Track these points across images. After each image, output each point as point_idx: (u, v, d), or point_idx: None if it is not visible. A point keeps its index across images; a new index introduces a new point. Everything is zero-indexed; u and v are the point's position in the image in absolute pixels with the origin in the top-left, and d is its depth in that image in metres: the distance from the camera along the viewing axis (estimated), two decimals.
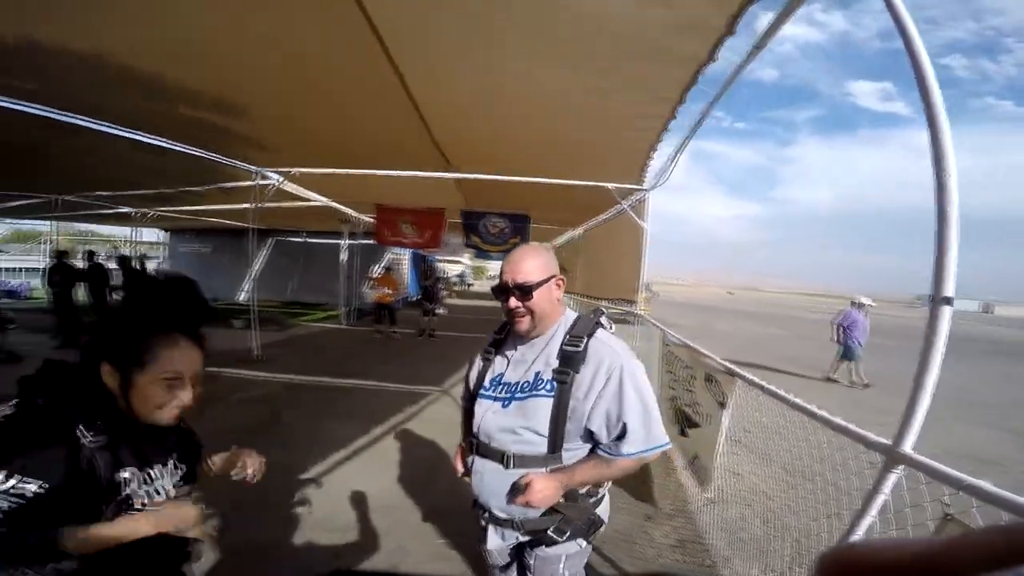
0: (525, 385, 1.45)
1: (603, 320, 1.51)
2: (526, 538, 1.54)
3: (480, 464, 1.51)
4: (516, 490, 1.39)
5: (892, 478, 1.50)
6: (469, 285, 40.10)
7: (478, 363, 1.64)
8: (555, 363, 1.43)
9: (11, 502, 0.87)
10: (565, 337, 1.45)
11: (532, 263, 1.44)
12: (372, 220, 12.46)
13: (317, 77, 3.49)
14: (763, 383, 2.57)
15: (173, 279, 1.13)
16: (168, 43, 2.97)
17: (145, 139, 5.01)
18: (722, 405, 3.09)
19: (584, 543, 1.56)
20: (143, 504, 1.04)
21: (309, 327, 11.86)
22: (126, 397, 1.02)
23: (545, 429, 1.41)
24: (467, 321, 14.34)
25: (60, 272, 8.05)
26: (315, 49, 3.03)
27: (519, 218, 9.31)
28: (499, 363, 1.57)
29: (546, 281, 1.44)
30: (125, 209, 11.26)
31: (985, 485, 1.21)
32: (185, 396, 1.07)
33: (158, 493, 1.09)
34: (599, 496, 1.56)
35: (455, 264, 36.87)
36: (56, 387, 1.01)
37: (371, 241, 15.64)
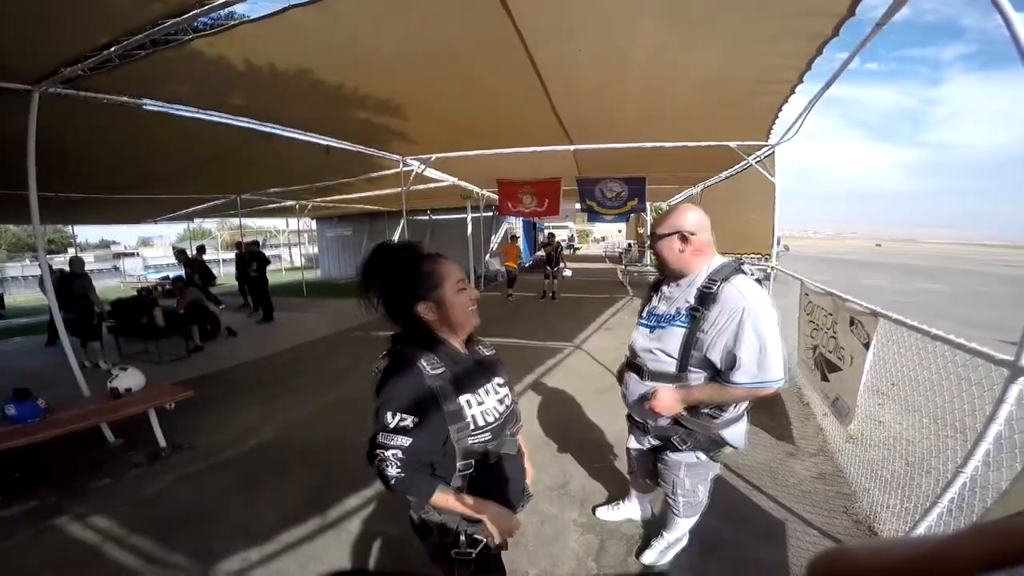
0: (668, 316, 1.81)
1: (744, 268, 1.77)
2: (656, 443, 2.01)
3: (628, 376, 1.98)
4: (645, 398, 1.82)
5: (1015, 389, 1.76)
6: (576, 249, 40.07)
7: (646, 297, 2.05)
8: (693, 301, 1.73)
9: (403, 436, 1.18)
10: (704, 281, 1.75)
11: (667, 220, 1.81)
12: (491, 194, 13.25)
13: (459, 71, 3.94)
14: (906, 320, 2.70)
15: (387, 246, 1.34)
16: (341, 56, 3.56)
17: (316, 140, 6.00)
18: (866, 346, 3.20)
19: (703, 456, 1.92)
20: (483, 421, 1.28)
21: None
22: (443, 319, 1.30)
23: (676, 352, 1.76)
24: (582, 283, 14.72)
25: (257, 259, 9.75)
26: (458, 45, 3.43)
27: (635, 181, 9.38)
28: (655, 299, 1.96)
29: (668, 235, 1.78)
30: (289, 203, 13.20)
31: None
32: (473, 292, 1.36)
33: (488, 414, 1.30)
34: (722, 419, 1.82)
35: (562, 229, 37.25)
36: (406, 340, 1.32)
37: (490, 214, 16.66)
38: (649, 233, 1.89)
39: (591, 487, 3.05)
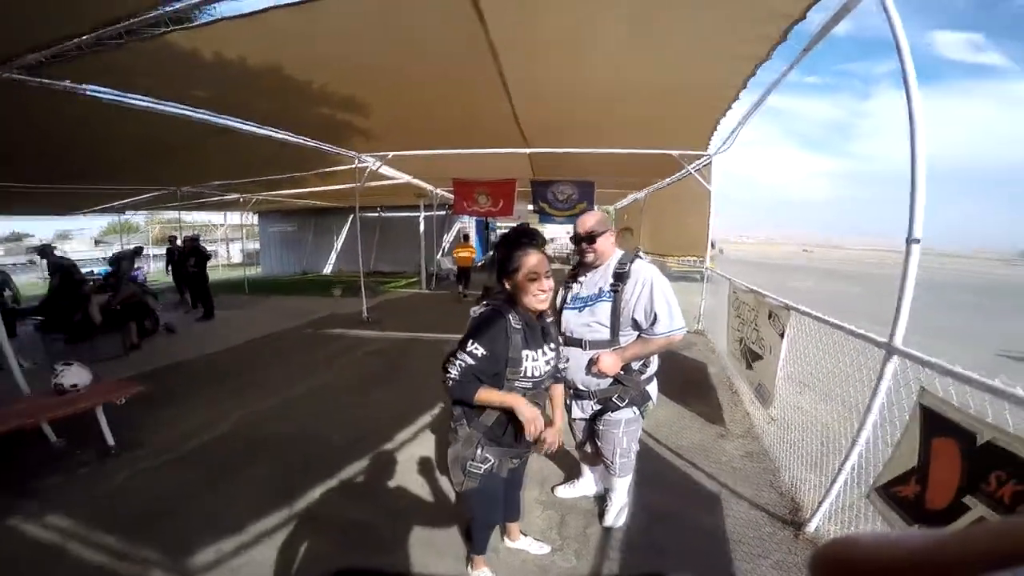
0: (592, 296, 2.24)
1: (640, 254, 2.31)
2: (597, 407, 2.34)
3: (567, 351, 2.27)
4: (591, 364, 2.20)
5: (891, 366, 2.19)
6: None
7: (561, 292, 2.43)
8: (610, 280, 2.20)
9: (471, 358, 1.65)
10: (616, 265, 2.22)
11: (595, 221, 2.26)
12: (445, 193, 13.32)
13: (426, 72, 4.05)
14: (812, 311, 3.16)
15: (518, 228, 1.83)
16: (314, 54, 3.59)
17: (276, 134, 5.91)
18: (781, 335, 3.63)
19: (637, 411, 2.32)
20: (532, 373, 1.74)
21: (398, 293, 13.04)
22: (516, 295, 1.74)
23: (607, 321, 2.20)
24: None
25: (197, 254, 9.37)
26: (429, 46, 3.54)
27: (585, 184, 9.80)
28: (574, 287, 2.35)
29: (605, 232, 2.24)
30: (233, 195, 12.70)
31: (939, 361, 1.85)
32: (546, 284, 1.74)
33: (537, 370, 1.76)
34: (647, 374, 2.33)
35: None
36: (497, 297, 1.79)
37: (443, 212, 16.68)
38: (576, 235, 2.27)
39: (548, 469, 3.28)
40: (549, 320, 1.91)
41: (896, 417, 2.17)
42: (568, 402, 2.41)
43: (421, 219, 13.85)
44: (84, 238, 42.73)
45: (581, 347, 2.24)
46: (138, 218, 27.82)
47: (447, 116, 5.41)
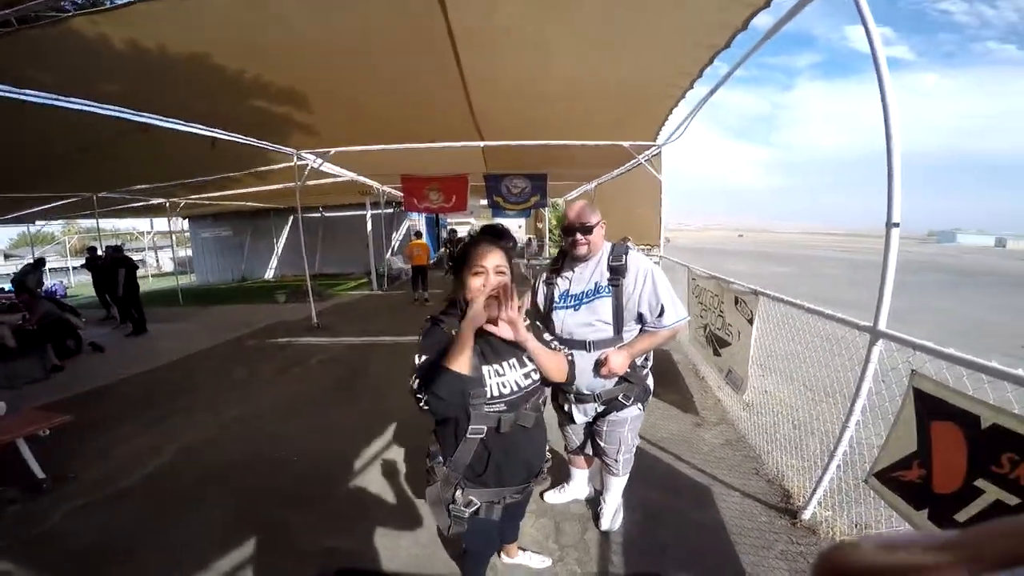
0: (589, 292, 2.09)
1: (630, 244, 2.21)
2: (602, 408, 2.22)
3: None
4: (599, 365, 2.06)
5: (877, 350, 2.21)
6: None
7: (543, 289, 2.27)
8: (607, 275, 2.07)
9: (420, 369, 1.39)
10: (609, 258, 2.09)
11: (589, 212, 2.08)
12: (392, 190, 12.85)
13: (377, 63, 3.78)
14: (783, 296, 3.20)
15: (485, 227, 1.68)
16: (247, 40, 3.24)
17: (205, 131, 5.39)
18: (750, 321, 3.66)
19: (641, 408, 2.22)
20: (500, 391, 1.46)
21: (348, 295, 12.46)
22: (463, 293, 1.50)
23: (610, 318, 2.06)
24: None
25: (124, 265, 8.53)
26: (382, 36, 3.30)
27: (538, 177, 9.71)
28: (562, 283, 2.18)
29: (598, 223, 2.09)
30: (158, 200, 11.69)
31: (932, 345, 1.86)
32: (492, 280, 1.46)
33: (505, 386, 1.47)
34: (648, 369, 2.25)
35: (464, 225, 37.11)
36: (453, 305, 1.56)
37: (391, 210, 16.14)
38: (569, 225, 2.07)
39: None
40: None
41: (877, 405, 2.16)
42: (567, 407, 2.28)
43: (368, 218, 13.31)
44: None
45: (585, 348, 2.08)
46: (53, 228, 25.28)
47: (397, 110, 5.12)
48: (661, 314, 2.05)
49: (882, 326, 2.15)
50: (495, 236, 1.56)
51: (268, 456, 3.53)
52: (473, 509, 1.46)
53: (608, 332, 2.07)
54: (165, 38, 3.03)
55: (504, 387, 1.46)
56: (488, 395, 1.43)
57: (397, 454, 3.49)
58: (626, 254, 2.10)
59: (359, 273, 16.55)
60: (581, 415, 2.27)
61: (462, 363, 1.32)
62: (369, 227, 13.30)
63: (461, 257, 1.52)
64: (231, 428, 4.12)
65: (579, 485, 2.80)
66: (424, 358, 1.41)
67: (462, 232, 34.87)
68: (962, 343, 2.00)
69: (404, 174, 9.52)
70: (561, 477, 2.91)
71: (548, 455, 1.71)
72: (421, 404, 1.34)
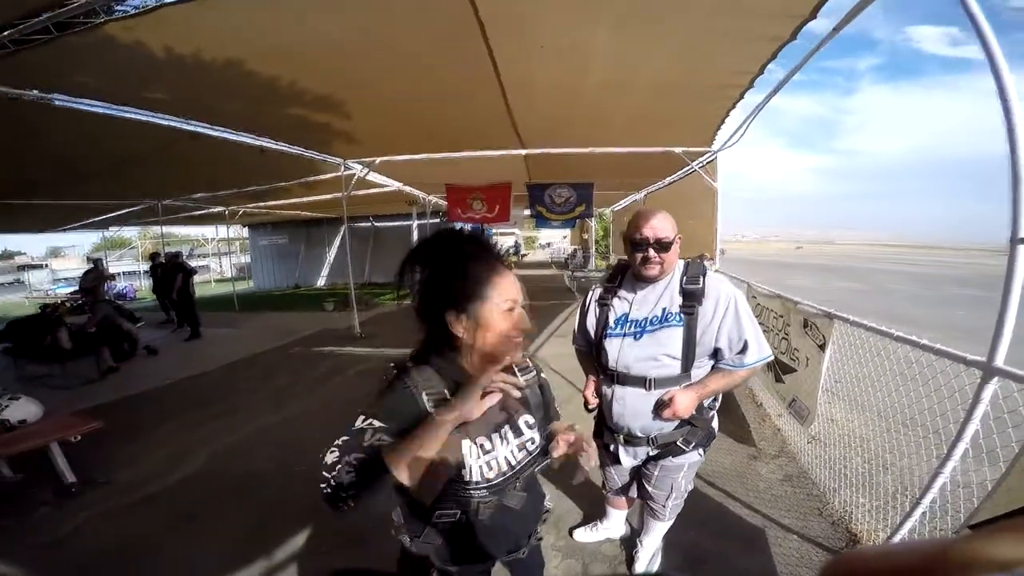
0: (654, 319, 1.74)
1: (706, 264, 1.83)
2: (655, 452, 1.87)
3: (621, 392, 1.80)
4: (661, 406, 1.72)
5: (989, 389, 1.81)
6: (523, 255, 39.25)
7: (594, 310, 1.91)
8: (679, 300, 1.72)
9: (356, 436, 0.97)
10: (682, 279, 1.74)
11: (668, 224, 1.71)
12: (438, 200, 12.94)
13: (412, 66, 3.69)
14: (863, 321, 2.77)
15: (457, 231, 1.11)
16: (275, 44, 3.19)
17: (248, 140, 5.52)
18: (822, 348, 3.25)
19: (702, 453, 1.91)
20: (484, 475, 1.07)
21: (392, 305, 12.61)
22: (474, 341, 1.04)
23: (679, 353, 1.71)
24: (530, 290, 14.53)
25: (182, 271, 8.95)
26: (415, 38, 3.19)
27: (583, 186, 9.47)
28: (619, 306, 1.83)
29: (676, 238, 1.72)
30: (218, 209, 12.28)
31: None
32: (524, 321, 1.07)
33: (492, 467, 1.08)
34: (715, 410, 1.90)
35: (508, 236, 37.09)
36: (423, 352, 1.10)
37: (436, 220, 16.30)
38: (642, 240, 1.70)
39: (564, 507, 2.86)
40: (532, 374, 1.25)
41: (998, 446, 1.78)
42: (612, 448, 1.94)
43: (414, 227, 13.48)
44: (76, 254, 42.24)
45: (644, 386, 1.75)
46: (129, 232, 27.23)
47: (438, 116, 5.05)
48: (743, 351, 1.71)
49: (999, 362, 1.76)
50: (482, 248, 1.07)
51: (293, 468, 3.45)
52: None
53: (674, 368, 1.73)
54: (198, 43, 3.05)
55: (491, 469, 1.08)
56: (466, 478, 1.05)
57: None
58: (703, 275, 1.74)
59: (406, 283, 16.73)
60: (629, 458, 1.94)
61: (421, 464, 0.93)
62: (415, 236, 13.45)
63: (454, 281, 1.02)
64: (261, 436, 4.11)
65: (615, 524, 2.50)
66: (371, 430, 0.96)
67: (508, 241, 34.55)
68: None
69: (448, 183, 9.53)
70: (594, 512, 2.64)
71: (547, 505, 1.36)
72: (340, 505, 0.91)
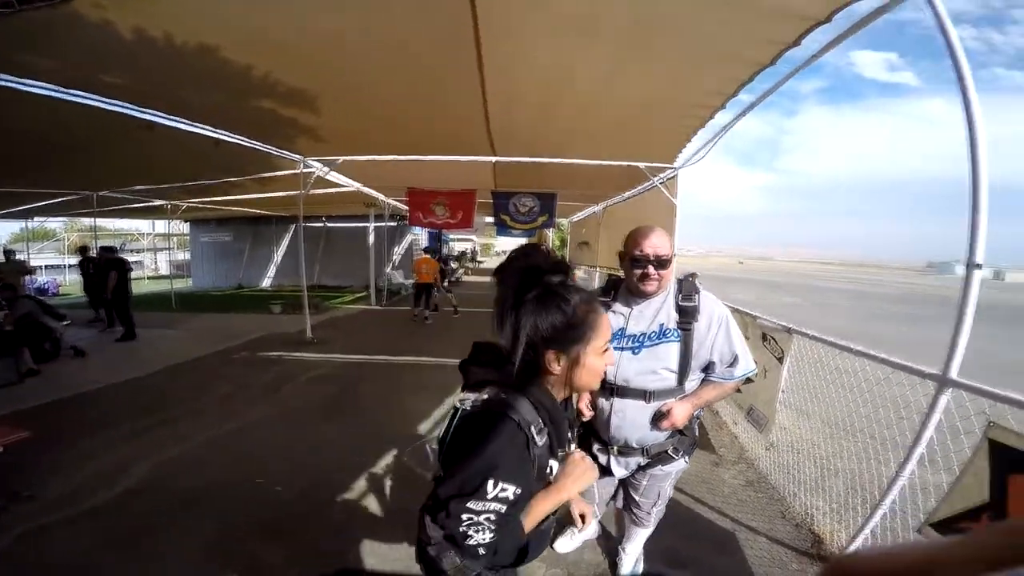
0: (652, 335, 1.80)
1: (698, 282, 1.90)
2: (645, 461, 1.93)
3: (621, 404, 1.84)
4: (659, 417, 1.80)
5: (944, 400, 1.98)
6: (480, 263, 38.95)
7: None
8: (675, 316, 1.79)
9: (502, 505, 0.97)
10: (678, 296, 1.82)
11: (667, 242, 1.78)
12: (396, 203, 12.71)
13: (396, 66, 3.59)
14: (821, 336, 2.96)
15: (541, 256, 1.10)
16: (259, 34, 3.06)
17: (207, 132, 5.21)
18: (780, 360, 3.42)
19: (688, 460, 1.99)
20: None
21: (345, 309, 12.20)
22: (566, 379, 1.08)
23: (676, 366, 1.79)
24: (487, 297, 14.49)
25: (117, 267, 8.29)
26: (406, 36, 3.11)
27: (547, 197, 9.58)
28: (615, 320, 1.84)
29: (673, 257, 1.81)
30: (159, 202, 11.52)
31: (1015, 395, 1.68)
32: (611, 357, 1.16)
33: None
34: (698, 421, 2.01)
35: (465, 242, 36.93)
36: (505, 384, 1.07)
37: (394, 223, 16.00)
38: (642, 257, 1.74)
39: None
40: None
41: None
42: (605, 461, 1.96)
43: (371, 230, 13.16)
44: None
45: (643, 399, 1.81)
46: (54, 224, 25.01)
47: (412, 118, 4.95)
48: (733, 364, 1.82)
49: (953, 374, 1.93)
50: (565, 274, 1.09)
51: (248, 480, 3.24)
52: None
53: (671, 381, 1.81)
54: (172, 27, 2.86)
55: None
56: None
57: (389, 485, 3.22)
58: (698, 293, 1.83)
59: (358, 286, 16.33)
60: (622, 469, 1.98)
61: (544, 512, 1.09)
62: (371, 240, 13.15)
63: (562, 319, 1.03)
64: (211, 447, 3.83)
65: (590, 529, 2.52)
66: (508, 489, 0.97)
67: (464, 248, 34.21)
68: (976, 377, 1.86)
69: (411, 187, 9.37)
70: (567, 519, 2.65)
71: None
72: (480, 551, 0.98)
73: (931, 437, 2.07)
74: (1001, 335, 11.89)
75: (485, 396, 1.07)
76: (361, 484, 3.23)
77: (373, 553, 2.50)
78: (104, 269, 8.32)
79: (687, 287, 1.83)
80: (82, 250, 10.41)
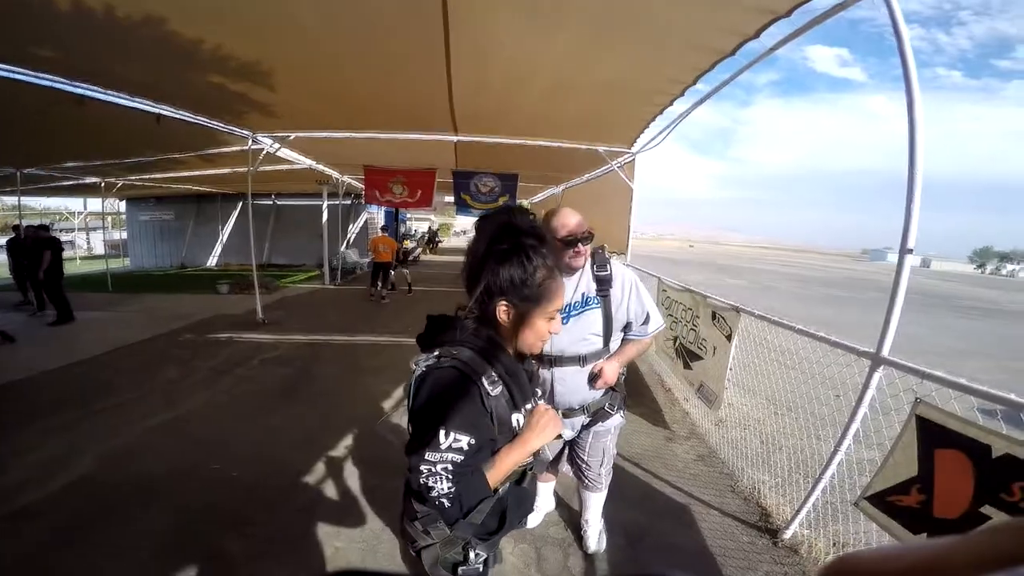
0: (576, 304, 1.96)
1: (606, 253, 2.08)
2: (588, 420, 2.11)
3: (561, 373, 1.99)
4: (593, 378, 1.98)
5: (877, 376, 2.15)
6: (439, 242, 38.32)
7: None
8: (593, 285, 1.96)
9: (458, 455, 0.99)
10: (593, 267, 1.98)
11: (578, 221, 1.91)
12: (352, 181, 12.33)
13: (358, 39, 3.47)
14: (768, 315, 3.14)
15: (522, 217, 1.13)
16: (197, 5, 2.90)
17: (147, 107, 4.88)
18: (728, 338, 3.60)
19: (623, 415, 2.18)
20: None
21: (297, 288, 11.80)
22: (511, 332, 1.12)
23: (600, 330, 1.97)
24: (448, 276, 14.28)
25: (50, 246, 7.70)
26: (370, 10, 3.00)
27: (508, 177, 9.54)
28: None
29: (592, 235, 1.94)
30: (91, 179, 10.70)
31: (942, 374, 1.83)
32: (557, 326, 1.17)
33: None
34: (624, 377, 2.16)
35: (423, 221, 36.36)
36: (455, 341, 1.09)
37: (348, 202, 15.53)
38: (571, 235, 1.85)
39: None
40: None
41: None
42: None
43: (324, 208, 12.72)
44: None
45: (579, 363, 1.97)
46: None
47: (371, 95, 4.79)
48: (646, 322, 2.03)
49: (885, 352, 2.10)
50: (540, 240, 1.11)
51: (202, 469, 3.13)
52: (483, 560, 1.18)
53: (598, 344, 1.98)
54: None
55: None
56: None
57: (349, 469, 3.19)
58: (609, 263, 2.00)
59: (311, 265, 15.82)
60: (569, 431, 2.11)
61: (510, 470, 1.10)
62: (325, 218, 12.72)
63: (517, 277, 1.08)
64: (161, 435, 3.67)
65: (546, 498, 2.67)
66: (463, 439, 1.00)
67: (422, 227, 33.61)
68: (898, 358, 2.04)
69: (368, 165, 9.10)
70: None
71: None
72: (443, 504, 1.01)
73: (866, 414, 2.26)
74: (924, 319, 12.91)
75: (436, 354, 1.09)
76: (321, 467, 3.20)
77: (339, 535, 2.49)
78: (35, 249, 7.70)
79: (599, 259, 2.00)
80: (14, 228, 9.59)
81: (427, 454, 0.99)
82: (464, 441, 1.00)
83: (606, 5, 2.70)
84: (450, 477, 1.00)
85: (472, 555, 1.13)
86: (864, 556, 0.31)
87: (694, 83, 3.69)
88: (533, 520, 2.59)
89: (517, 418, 1.14)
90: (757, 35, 2.76)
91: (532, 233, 1.10)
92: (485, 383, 1.05)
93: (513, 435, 1.12)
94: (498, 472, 1.07)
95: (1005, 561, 0.25)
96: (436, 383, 1.04)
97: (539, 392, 1.31)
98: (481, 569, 1.16)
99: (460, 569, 1.14)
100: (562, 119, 5.40)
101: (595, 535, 2.41)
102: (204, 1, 2.83)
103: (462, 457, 1.00)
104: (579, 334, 1.95)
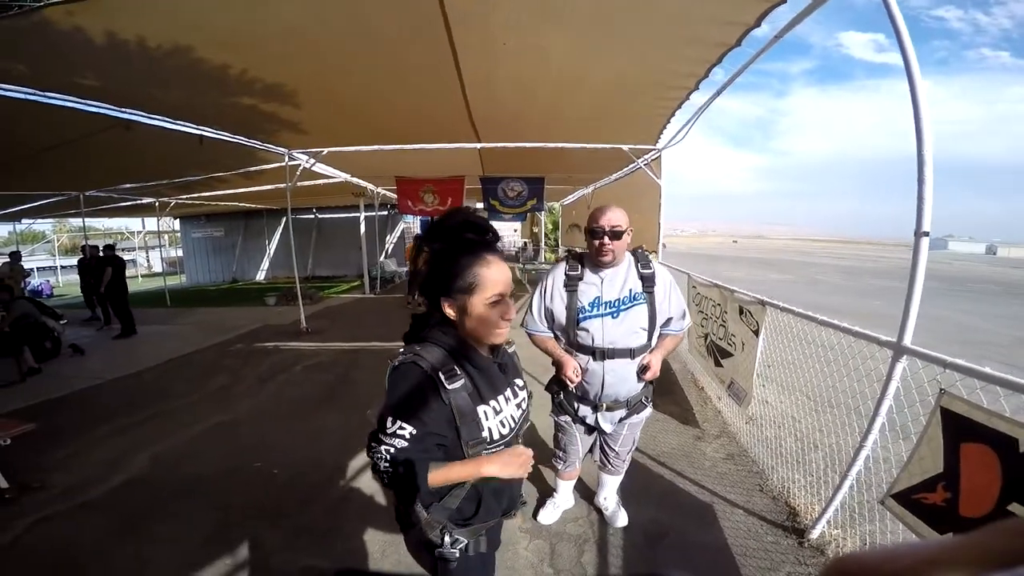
0: (625, 299, 2.06)
1: (646, 253, 2.20)
2: (626, 412, 2.19)
3: (611, 365, 2.07)
4: (642, 370, 2.08)
5: (900, 367, 2.06)
6: None
7: (563, 297, 2.13)
8: (639, 283, 2.07)
9: (400, 441, 1.10)
10: (637, 265, 2.10)
11: (622, 217, 2.02)
12: (386, 192, 12.69)
13: (370, 56, 3.61)
14: (792, 307, 3.04)
15: (459, 215, 1.17)
16: (231, 32, 3.07)
17: (188, 129, 5.21)
18: (756, 332, 3.51)
19: (652, 406, 2.29)
20: (499, 434, 1.19)
21: (339, 298, 12.23)
22: (463, 325, 1.16)
23: (647, 325, 2.08)
24: None
25: (111, 263, 8.33)
26: (375, 27, 3.13)
27: (535, 180, 9.58)
28: (589, 291, 2.08)
29: (627, 229, 2.03)
30: (147, 200, 11.46)
31: (963, 363, 1.72)
32: (510, 310, 1.18)
33: (504, 425, 1.21)
34: None
35: None
36: (426, 339, 1.18)
37: (384, 213, 15.99)
38: (598, 228, 1.99)
39: (523, 489, 2.97)
40: (511, 349, 1.37)
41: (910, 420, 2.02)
42: (592, 420, 2.21)
43: (361, 220, 13.14)
44: None
45: (630, 356, 2.08)
46: (43, 226, 25.01)
47: (392, 110, 4.96)
48: (683, 317, 2.18)
49: (907, 341, 2.01)
50: (480, 233, 1.16)
51: (246, 467, 3.35)
52: (463, 546, 1.22)
53: (644, 338, 2.09)
54: (144, 30, 2.87)
55: (504, 426, 1.21)
56: (488, 440, 1.17)
57: None
58: (651, 262, 2.12)
59: (352, 276, 16.36)
60: (608, 423, 2.21)
61: (458, 480, 1.16)
62: (363, 229, 13.13)
63: (450, 270, 1.13)
64: (209, 437, 3.94)
65: (565, 497, 2.69)
66: (406, 429, 1.10)
67: None
68: (957, 351, 1.91)
69: (399, 176, 9.36)
70: (546, 490, 2.82)
71: None
72: (383, 479, 1.14)
73: (891, 407, 2.16)
74: (993, 311, 12.03)
75: (403, 353, 1.17)
76: (356, 463, 3.35)
77: (365, 530, 2.60)
78: (98, 267, 8.36)
79: (642, 258, 2.12)
80: (83, 249, 10.45)
81: (379, 436, 1.14)
82: (407, 430, 1.10)
83: (599, 2, 2.72)
84: (387, 460, 1.11)
85: (447, 539, 1.19)
86: (863, 556, 0.31)
87: (706, 75, 3.64)
88: (550, 517, 2.62)
89: (484, 410, 1.17)
90: (758, 23, 2.73)
91: (470, 228, 1.15)
92: (442, 377, 1.11)
93: (478, 426, 1.16)
94: (441, 476, 1.12)
95: (1005, 561, 0.25)
96: (395, 377, 1.14)
97: (518, 382, 1.33)
98: (458, 554, 1.21)
99: (436, 551, 1.20)
100: (580, 119, 5.41)
101: (614, 507, 2.59)
102: (222, 32, 3.02)
103: (405, 443, 1.10)
104: (629, 328, 2.06)
